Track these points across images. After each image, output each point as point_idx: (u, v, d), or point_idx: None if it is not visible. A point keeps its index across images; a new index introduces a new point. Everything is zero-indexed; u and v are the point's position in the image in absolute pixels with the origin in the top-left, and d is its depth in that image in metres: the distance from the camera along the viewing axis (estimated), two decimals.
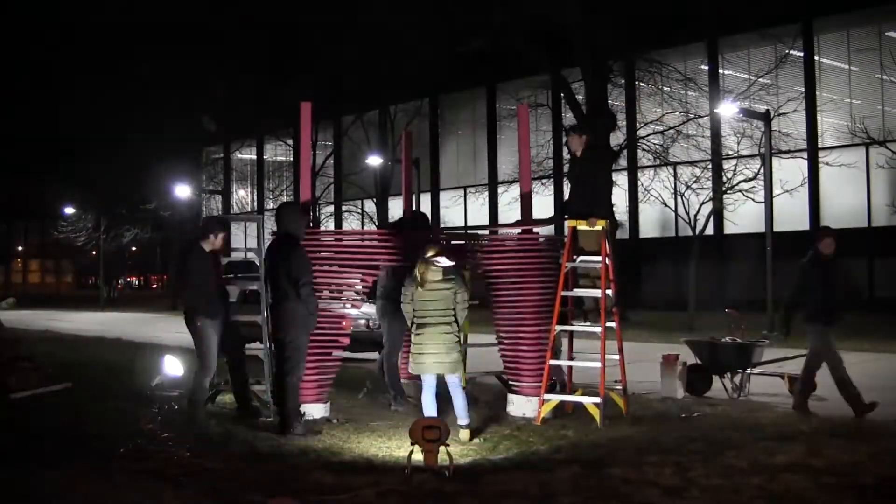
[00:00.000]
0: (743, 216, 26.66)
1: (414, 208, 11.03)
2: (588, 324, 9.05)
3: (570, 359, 9.25)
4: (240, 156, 51.47)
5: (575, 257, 9.07)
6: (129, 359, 14.48)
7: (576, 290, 9.19)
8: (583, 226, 9.07)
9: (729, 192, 23.00)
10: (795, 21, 28.26)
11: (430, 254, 7.91)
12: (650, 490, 5.88)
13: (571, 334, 9.31)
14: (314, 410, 8.85)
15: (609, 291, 8.76)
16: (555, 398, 8.83)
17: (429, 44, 29.54)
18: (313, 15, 33.88)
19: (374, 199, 37.88)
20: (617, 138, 27.88)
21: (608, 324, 8.66)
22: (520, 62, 28.53)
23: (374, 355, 15.39)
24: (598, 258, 8.92)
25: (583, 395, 8.94)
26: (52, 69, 46.43)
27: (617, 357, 8.85)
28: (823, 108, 28.90)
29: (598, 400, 8.45)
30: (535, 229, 9.65)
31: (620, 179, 31.17)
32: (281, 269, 8.13)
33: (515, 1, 24.52)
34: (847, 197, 28.46)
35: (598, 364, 8.61)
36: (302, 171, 9.99)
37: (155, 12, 38.41)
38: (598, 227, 8.94)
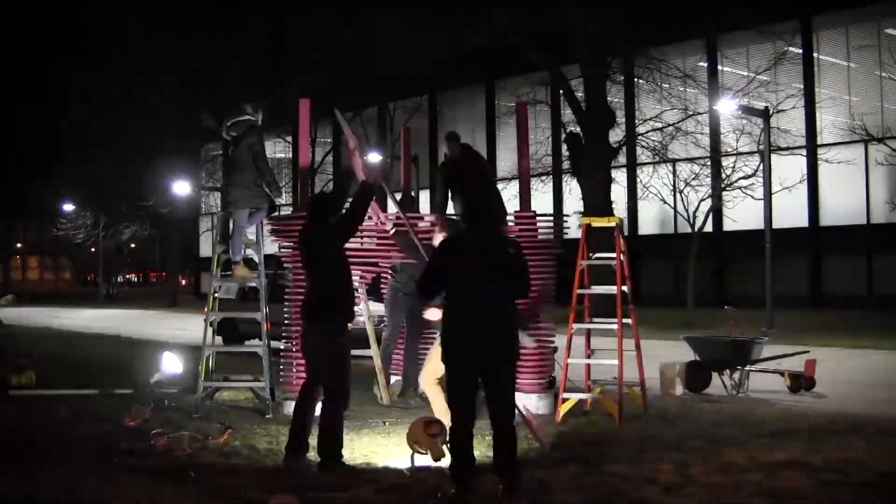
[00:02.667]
0: (742, 213, 26.66)
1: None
2: (602, 321, 9.00)
3: (588, 357, 9.18)
4: None
5: (590, 254, 9.05)
6: (128, 356, 14.49)
7: (594, 287, 9.13)
8: (597, 222, 9.05)
9: (728, 189, 23.01)
10: (794, 18, 28.25)
11: None
12: (649, 487, 5.89)
13: (589, 332, 9.26)
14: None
15: (625, 288, 8.74)
16: (574, 397, 8.76)
17: (428, 41, 29.53)
18: (313, 14, 33.87)
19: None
20: (616, 135, 27.85)
21: (623, 320, 8.63)
22: (519, 59, 28.51)
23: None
24: (613, 255, 8.86)
25: (601, 392, 8.89)
26: (52, 66, 46.40)
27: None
28: (822, 105, 28.91)
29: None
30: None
31: (619, 176, 31.15)
32: None
33: None
34: (846, 194, 28.47)
35: (615, 361, 8.55)
36: (300, 168, 9.98)
37: (155, 10, 38.37)
38: (613, 224, 8.90)
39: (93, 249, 47.10)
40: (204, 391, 9.16)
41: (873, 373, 12.82)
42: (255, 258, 9.52)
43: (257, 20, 35.99)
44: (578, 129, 26.15)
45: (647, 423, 8.27)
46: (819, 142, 28.88)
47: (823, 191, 29.04)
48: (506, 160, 35.14)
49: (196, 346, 12.00)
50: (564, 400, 8.64)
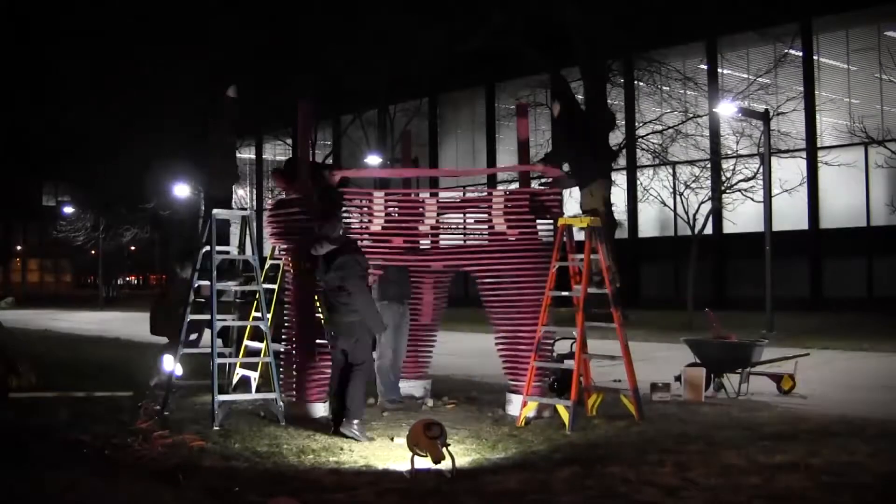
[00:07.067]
0: (742, 216, 26.66)
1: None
2: (598, 324, 8.94)
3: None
4: (239, 155, 51.41)
5: (573, 257, 9.03)
6: (128, 358, 14.48)
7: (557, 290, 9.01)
8: (570, 222, 8.93)
9: (728, 191, 22.99)
10: (794, 20, 28.26)
11: None
12: (649, 490, 5.89)
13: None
14: (314, 410, 8.84)
15: (602, 290, 8.70)
16: (541, 400, 8.72)
17: (428, 43, 29.54)
18: (313, 15, 33.89)
19: None
20: (616, 138, 27.87)
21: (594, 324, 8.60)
22: (519, 62, 28.54)
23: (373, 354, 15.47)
24: (596, 255, 8.81)
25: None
26: (52, 69, 46.42)
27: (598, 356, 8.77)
28: (822, 108, 28.91)
29: (568, 403, 8.27)
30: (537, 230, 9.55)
31: (620, 179, 31.17)
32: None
33: (515, 1, 24.53)
34: (846, 196, 28.48)
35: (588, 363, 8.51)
36: (300, 170, 9.96)
37: (155, 11, 38.41)
38: (584, 225, 8.84)
39: (93, 252, 47.09)
40: (219, 406, 8.42)
41: (873, 375, 12.81)
42: (252, 262, 9.47)
43: (258, 22, 36.01)
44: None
45: (647, 426, 8.27)
46: (819, 144, 28.89)
47: (823, 193, 29.04)
48: (506, 162, 35.16)
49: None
50: (526, 403, 8.58)
